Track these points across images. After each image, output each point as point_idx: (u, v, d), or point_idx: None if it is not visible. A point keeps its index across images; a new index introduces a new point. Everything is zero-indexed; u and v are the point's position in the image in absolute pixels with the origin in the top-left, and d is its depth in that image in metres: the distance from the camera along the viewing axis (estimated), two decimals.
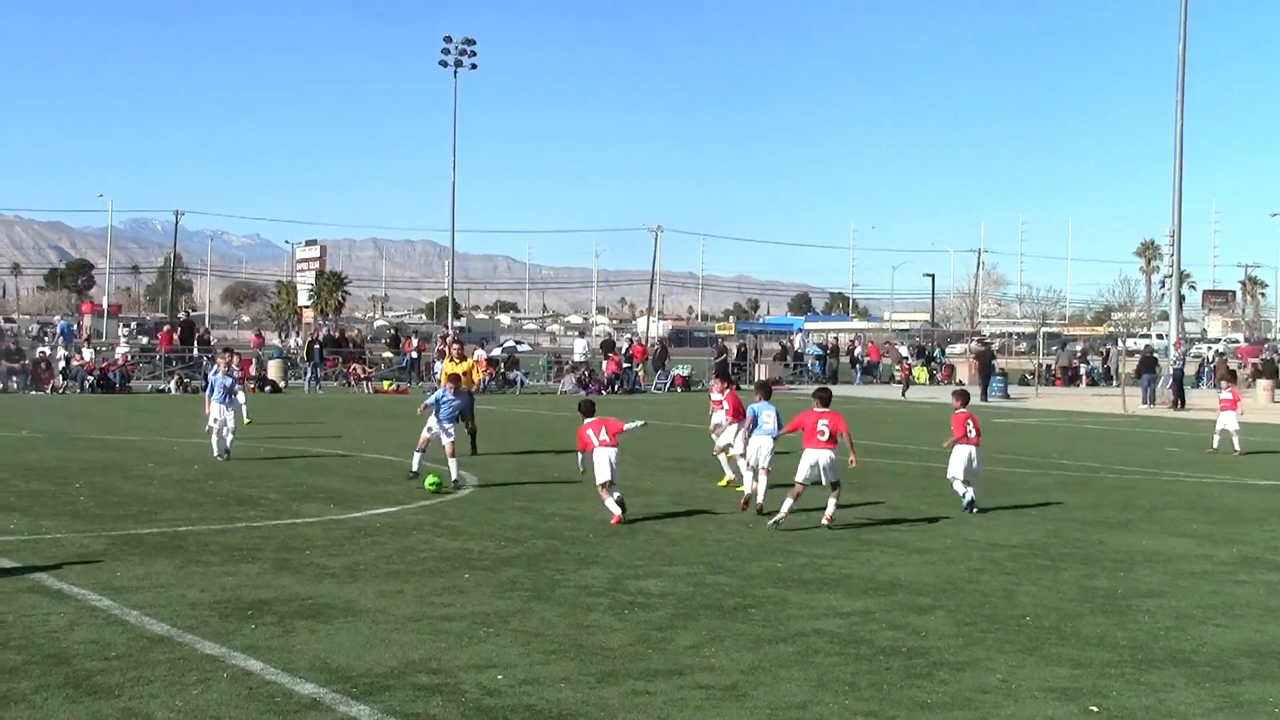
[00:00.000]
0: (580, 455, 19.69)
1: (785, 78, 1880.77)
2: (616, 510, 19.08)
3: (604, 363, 64.64)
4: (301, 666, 10.44)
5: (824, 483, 18.89)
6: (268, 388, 55.25)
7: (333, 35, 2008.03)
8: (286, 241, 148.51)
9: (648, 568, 15.39)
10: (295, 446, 29.54)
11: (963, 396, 22.20)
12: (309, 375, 58.09)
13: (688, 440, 33.72)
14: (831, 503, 19.03)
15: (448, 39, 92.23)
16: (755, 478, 20.61)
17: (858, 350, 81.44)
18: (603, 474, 19.16)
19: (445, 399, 23.40)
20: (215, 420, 26.17)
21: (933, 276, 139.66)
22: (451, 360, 29.99)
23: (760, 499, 20.18)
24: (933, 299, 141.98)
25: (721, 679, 10.42)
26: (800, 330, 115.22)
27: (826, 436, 18.85)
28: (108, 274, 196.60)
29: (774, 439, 20.42)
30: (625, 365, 63.98)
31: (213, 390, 26.53)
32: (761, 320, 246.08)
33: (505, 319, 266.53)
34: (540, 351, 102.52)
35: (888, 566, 15.90)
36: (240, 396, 27.08)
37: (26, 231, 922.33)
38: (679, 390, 64.00)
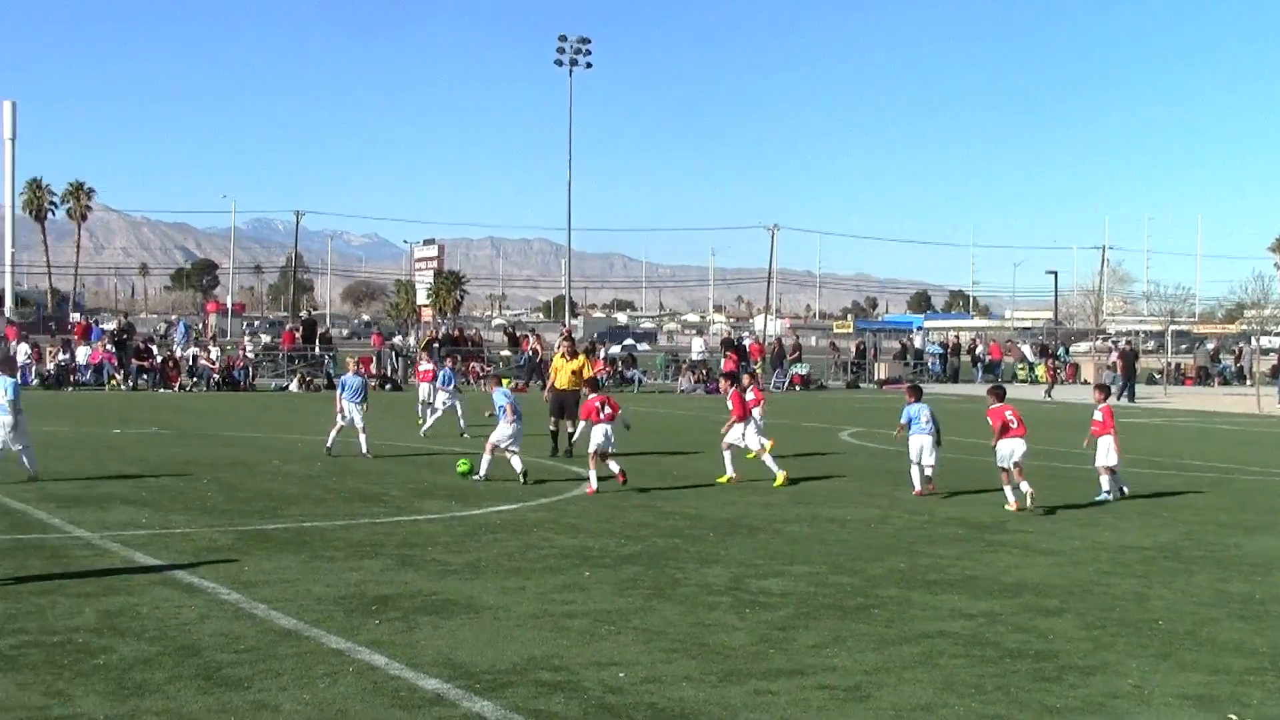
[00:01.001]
0: (582, 423, 22.66)
1: (905, 74, 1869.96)
2: (596, 481, 21.77)
3: (722, 360, 64.47)
4: (425, 662, 10.51)
5: (1016, 464, 20.69)
6: (388, 386, 55.69)
7: (449, 36, 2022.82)
8: (405, 241, 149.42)
9: (769, 567, 15.34)
10: (416, 444, 29.77)
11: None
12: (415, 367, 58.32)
13: (807, 439, 33.58)
14: (1019, 489, 20.68)
15: (562, 38, 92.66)
16: (911, 472, 22.51)
17: (979, 349, 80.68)
18: (596, 443, 22.16)
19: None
20: (343, 419, 26.61)
21: (1055, 274, 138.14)
22: (563, 358, 29.93)
23: (918, 488, 22.27)
24: (1055, 296, 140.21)
25: (844, 679, 10.36)
26: (920, 328, 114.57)
27: (1017, 425, 20.85)
28: (231, 273, 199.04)
29: (930, 435, 22.18)
30: (742, 363, 63.80)
31: (344, 389, 26.95)
32: (880, 318, 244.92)
33: (622, 317, 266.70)
34: (658, 350, 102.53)
35: (1013, 568, 15.73)
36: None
37: (153, 232, 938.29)
38: (798, 389, 63.72)
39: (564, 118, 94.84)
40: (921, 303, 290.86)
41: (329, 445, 26.57)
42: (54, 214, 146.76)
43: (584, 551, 16.06)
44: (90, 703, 9.18)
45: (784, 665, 10.76)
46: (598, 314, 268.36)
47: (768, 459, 23.77)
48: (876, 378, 71.66)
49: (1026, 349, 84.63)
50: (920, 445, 22.23)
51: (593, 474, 21.92)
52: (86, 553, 15.17)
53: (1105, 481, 22.41)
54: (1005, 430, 20.99)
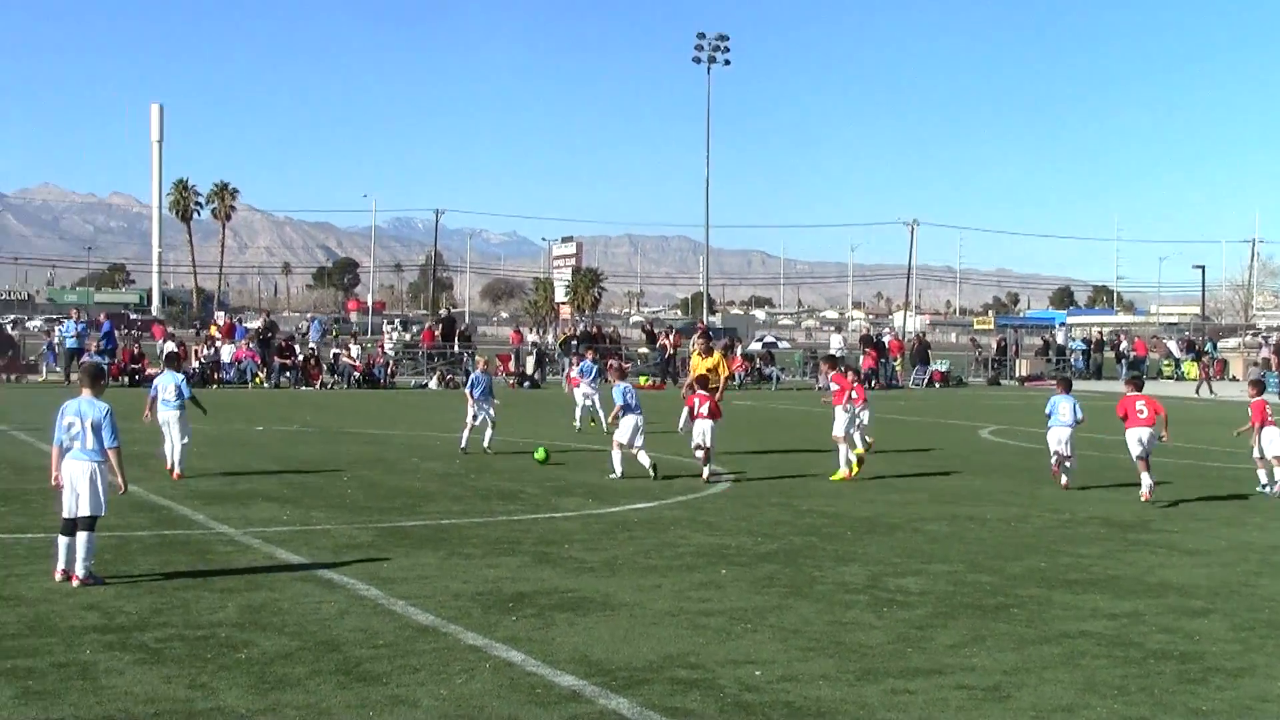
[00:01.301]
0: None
1: (1047, 66, 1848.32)
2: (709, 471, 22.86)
3: (861, 357, 64.14)
4: (562, 659, 10.54)
5: (1141, 455, 21.02)
6: (526, 383, 56.03)
7: (587, 35, 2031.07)
8: (543, 239, 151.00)
9: (907, 565, 15.22)
10: (554, 441, 29.88)
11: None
12: (565, 371, 58.60)
13: (945, 437, 33.31)
14: (1145, 478, 20.99)
15: (701, 35, 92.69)
16: (1057, 464, 22.88)
17: (1123, 345, 79.53)
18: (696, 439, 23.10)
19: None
20: (473, 417, 26.86)
21: (1203, 268, 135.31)
22: (699, 355, 29.83)
23: (1064, 481, 22.74)
24: (1203, 291, 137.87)
25: (983, 679, 10.24)
26: (1062, 324, 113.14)
27: (1146, 415, 21.11)
28: (372, 272, 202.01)
29: (1069, 428, 22.53)
30: (882, 360, 63.43)
31: (474, 387, 27.16)
32: (1022, 314, 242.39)
33: (760, 314, 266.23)
34: (796, 347, 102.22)
35: (1157, 568, 15.47)
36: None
37: (296, 232, 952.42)
38: (937, 386, 63.24)
39: (702, 114, 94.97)
40: (1064, 298, 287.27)
41: (463, 445, 26.79)
42: (199, 214, 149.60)
43: (721, 549, 16.03)
44: (233, 696, 9.32)
45: (922, 664, 10.66)
46: (735, 310, 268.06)
47: (843, 448, 23.81)
48: (1018, 374, 70.95)
49: (1172, 345, 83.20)
50: (1058, 437, 22.62)
51: (706, 468, 22.94)
52: (229, 548, 15.41)
53: (1262, 475, 22.58)
54: (1129, 420, 21.26)
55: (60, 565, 13.02)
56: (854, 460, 23.65)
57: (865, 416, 25.30)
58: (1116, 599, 13.57)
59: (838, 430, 23.87)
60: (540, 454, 25.12)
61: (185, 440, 21.91)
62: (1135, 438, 21.15)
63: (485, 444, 26.53)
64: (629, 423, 23.04)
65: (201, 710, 8.99)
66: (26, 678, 9.66)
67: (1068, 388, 23.49)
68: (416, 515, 18.36)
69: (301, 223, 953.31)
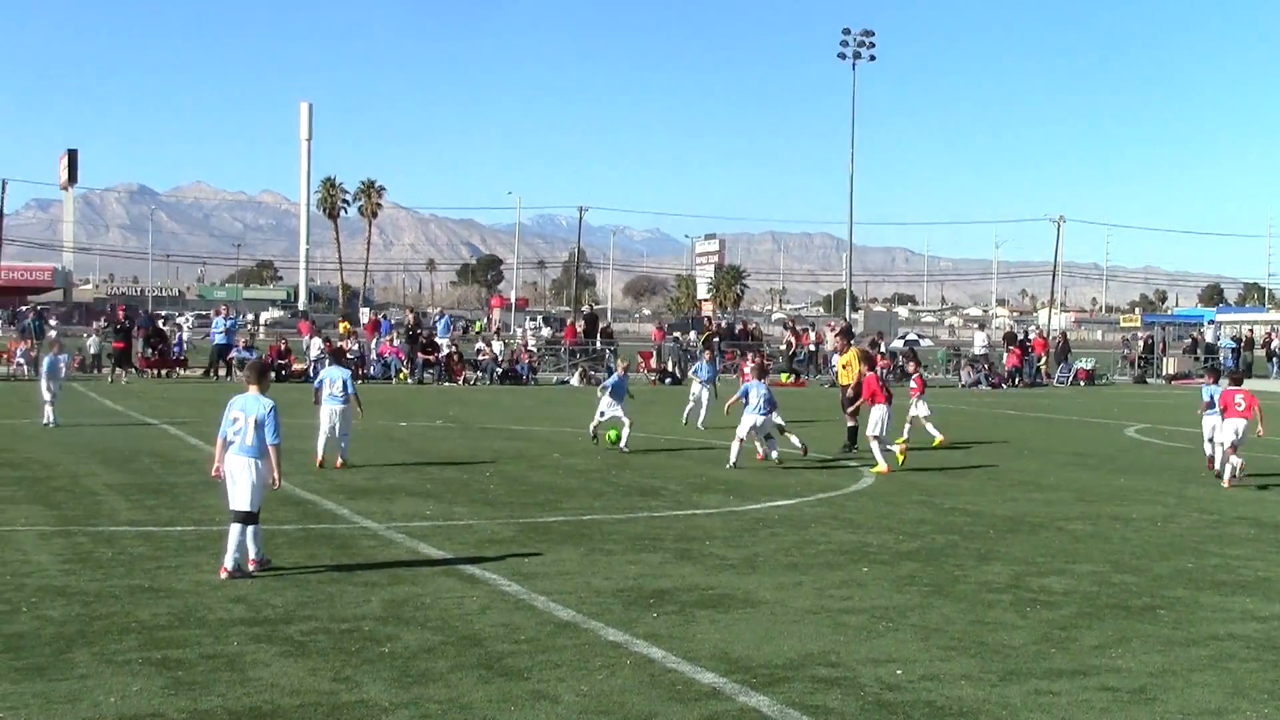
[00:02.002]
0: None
1: (1194, 61, 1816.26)
2: (883, 461, 23.77)
3: (1004, 355, 63.50)
4: (702, 655, 10.55)
5: (1229, 444, 22.71)
6: (668, 380, 56.09)
7: (730, 31, 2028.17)
8: (686, 236, 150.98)
9: (1050, 565, 15.05)
10: (694, 438, 29.92)
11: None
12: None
13: (1090, 435, 32.88)
14: (1230, 463, 22.71)
15: (846, 31, 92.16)
16: (1222, 455, 23.55)
17: (1274, 343, 77.93)
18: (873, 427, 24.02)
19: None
20: (600, 413, 27.13)
21: None
22: (840, 353, 29.78)
23: (1218, 470, 23.70)
24: None
25: (1129, 681, 10.11)
26: (1211, 322, 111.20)
27: (1243, 407, 22.83)
28: (515, 269, 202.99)
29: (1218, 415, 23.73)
30: (1027, 358, 62.75)
31: (607, 385, 27.25)
32: (1170, 312, 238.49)
33: (903, 311, 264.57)
34: (939, 344, 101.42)
35: None
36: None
37: (441, 229, 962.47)
38: (1082, 384, 62.41)
39: (847, 111, 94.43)
40: (1213, 295, 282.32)
41: (591, 434, 27.34)
42: (346, 212, 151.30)
43: (862, 547, 15.96)
44: (376, 689, 9.45)
45: (1066, 665, 10.54)
46: (878, 308, 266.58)
47: (874, 446, 24.19)
48: (1165, 373, 69.84)
49: None
50: (1212, 424, 24.29)
51: (879, 455, 23.91)
52: (373, 543, 15.60)
53: None
54: (1228, 411, 23.04)
55: (231, 553, 13.31)
56: (896, 451, 24.45)
57: (924, 409, 28.03)
58: (1267, 601, 13.32)
59: (872, 429, 24.47)
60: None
61: (348, 433, 22.75)
62: (1231, 428, 22.94)
63: (621, 443, 26.58)
64: (747, 420, 23.86)
65: (346, 703, 9.13)
66: (176, 668, 9.87)
67: (1217, 377, 25.18)
68: (558, 511, 18.46)
69: (446, 220, 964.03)
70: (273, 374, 17.76)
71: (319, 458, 22.29)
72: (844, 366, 28.56)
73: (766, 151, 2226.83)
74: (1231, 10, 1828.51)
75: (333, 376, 22.88)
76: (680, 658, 10.46)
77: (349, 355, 52.74)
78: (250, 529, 13.26)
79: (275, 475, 13.53)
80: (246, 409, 13.44)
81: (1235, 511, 19.79)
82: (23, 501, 18.24)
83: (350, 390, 22.70)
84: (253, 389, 13.67)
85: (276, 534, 15.66)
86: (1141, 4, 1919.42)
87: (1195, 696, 9.75)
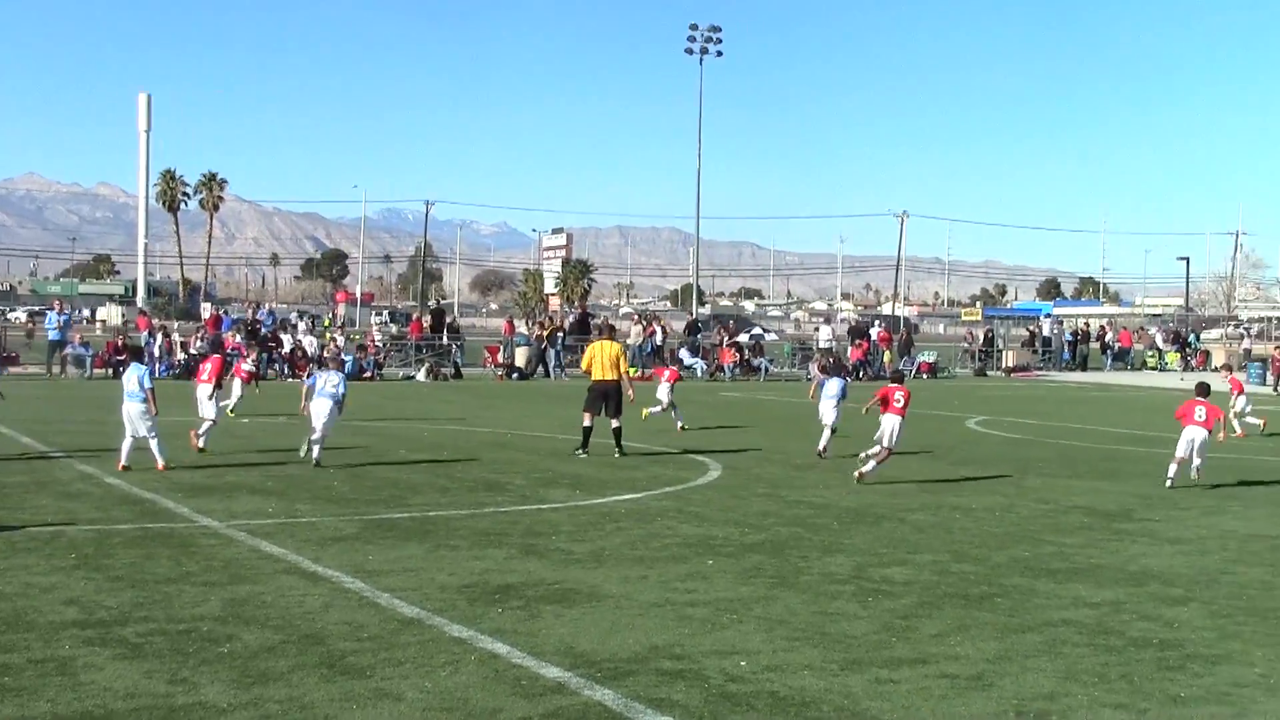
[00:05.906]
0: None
1: (1032, 58, 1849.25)
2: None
3: (849, 349, 64.15)
4: (547, 650, 10.54)
5: (1192, 456, 21.96)
6: (515, 374, 55.95)
7: (578, 24, 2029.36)
8: (533, 230, 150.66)
9: (892, 555, 15.25)
10: (541, 433, 29.89)
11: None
12: (554, 362, 58.48)
13: (933, 427, 33.34)
14: (1197, 463, 22.01)
15: (693, 26, 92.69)
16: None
17: (1109, 336, 79.63)
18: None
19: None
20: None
21: (1187, 260, 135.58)
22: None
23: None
24: (1187, 283, 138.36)
25: (967, 668, 10.27)
26: (1049, 315, 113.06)
27: (1204, 418, 22.00)
28: (361, 263, 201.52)
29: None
30: (870, 352, 63.45)
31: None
32: (1009, 305, 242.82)
33: (749, 305, 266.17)
34: (785, 339, 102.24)
35: (1139, 556, 15.53)
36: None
37: (285, 223, 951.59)
38: (924, 376, 63.23)
39: (694, 106, 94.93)
40: (1051, 289, 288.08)
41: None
42: (186, 204, 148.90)
43: (707, 540, 16.04)
44: (214, 691, 9.30)
45: (906, 654, 10.68)
46: (725, 302, 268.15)
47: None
48: (1004, 365, 71.03)
49: (1157, 336, 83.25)
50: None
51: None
52: (213, 541, 15.34)
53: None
54: (1185, 419, 22.23)
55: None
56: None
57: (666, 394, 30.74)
58: (1098, 588, 13.62)
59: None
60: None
61: (152, 433, 21.62)
62: (1189, 436, 22.02)
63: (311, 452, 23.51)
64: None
65: (182, 705, 8.96)
66: (3, 674, 9.61)
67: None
68: (403, 507, 18.33)
69: (290, 213, 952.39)
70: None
71: (121, 463, 21.38)
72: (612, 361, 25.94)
73: (614, 146, 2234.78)
74: (1065, 8, 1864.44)
75: (129, 374, 21.98)
76: (525, 653, 10.44)
77: (194, 352, 52.11)
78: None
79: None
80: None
81: (1070, 501, 20.20)
82: None
83: (148, 386, 21.54)
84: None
85: (111, 533, 15.41)
86: (980, 1, 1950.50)
87: (1030, 682, 9.93)
